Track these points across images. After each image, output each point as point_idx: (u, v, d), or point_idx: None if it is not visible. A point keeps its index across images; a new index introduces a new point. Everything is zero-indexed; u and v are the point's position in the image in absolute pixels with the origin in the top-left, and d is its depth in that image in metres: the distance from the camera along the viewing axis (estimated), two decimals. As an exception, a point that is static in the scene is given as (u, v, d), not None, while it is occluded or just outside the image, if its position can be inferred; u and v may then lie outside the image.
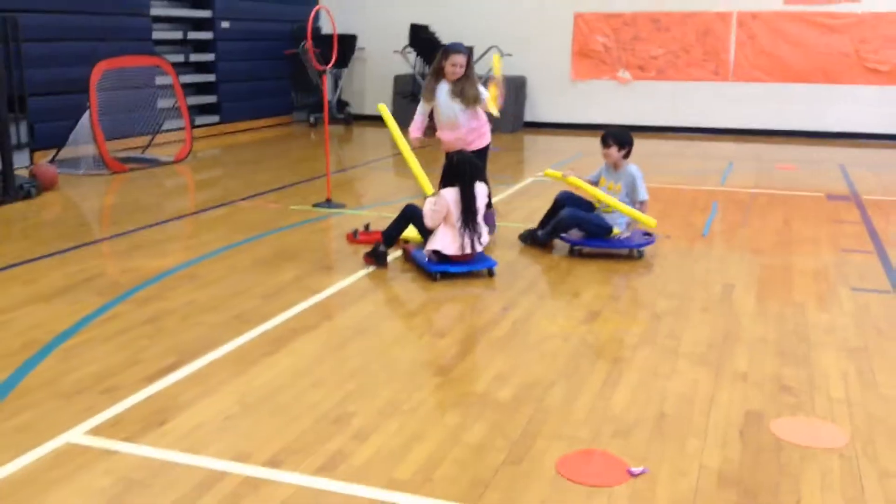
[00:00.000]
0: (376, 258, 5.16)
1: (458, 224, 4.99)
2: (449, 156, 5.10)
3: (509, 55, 12.05)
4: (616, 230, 5.48)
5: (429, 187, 5.59)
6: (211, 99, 11.81)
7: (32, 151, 8.74)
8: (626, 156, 5.52)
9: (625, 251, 5.52)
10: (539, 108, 13.07)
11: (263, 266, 5.26)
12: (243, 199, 7.33)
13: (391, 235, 5.23)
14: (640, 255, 5.48)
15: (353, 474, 2.78)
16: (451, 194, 5.02)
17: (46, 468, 2.80)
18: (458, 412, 3.27)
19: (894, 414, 3.29)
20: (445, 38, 12.30)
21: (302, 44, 12.75)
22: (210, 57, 11.67)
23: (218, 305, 4.49)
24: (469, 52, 5.73)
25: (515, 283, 4.94)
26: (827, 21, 11.61)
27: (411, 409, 3.27)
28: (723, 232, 6.40)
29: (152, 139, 9.65)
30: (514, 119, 12.66)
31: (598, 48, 12.62)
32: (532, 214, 6.92)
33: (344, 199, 7.25)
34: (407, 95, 12.53)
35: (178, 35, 11.18)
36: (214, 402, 3.31)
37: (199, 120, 11.38)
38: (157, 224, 6.41)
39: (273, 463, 2.85)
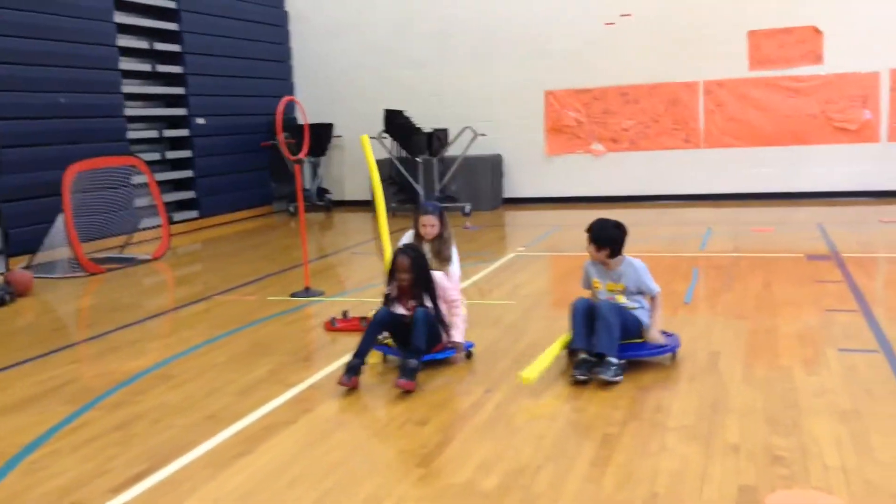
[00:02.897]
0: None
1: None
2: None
3: (483, 135, 12.21)
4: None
5: (388, 252, 5.24)
6: (189, 195, 11.83)
7: (8, 257, 8.67)
8: (613, 254, 4.73)
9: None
10: (516, 184, 13.18)
11: (239, 361, 5.13)
12: (220, 294, 7.24)
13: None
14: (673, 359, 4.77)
15: (330, 582, 2.63)
16: None
17: None
18: (441, 506, 3.13)
19: (892, 479, 3.17)
20: (420, 121, 12.48)
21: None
22: (187, 153, 11.73)
23: (190, 406, 4.35)
24: (440, 211, 5.29)
25: (497, 364, 4.83)
26: (792, 84, 11.86)
27: (391, 506, 3.13)
28: (705, 298, 6.34)
29: (129, 239, 9.60)
30: (492, 196, 12.79)
31: (570, 123, 12.81)
32: (516, 290, 6.86)
33: (323, 287, 7.17)
34: (385, 179, 12.60)
35: (153, 134, 11.27)
36: (184, 511, 3.15)
37: (178, 216, 11.37)
38: (133, 324, 6.29)
39: (245, 574, 2.69)
